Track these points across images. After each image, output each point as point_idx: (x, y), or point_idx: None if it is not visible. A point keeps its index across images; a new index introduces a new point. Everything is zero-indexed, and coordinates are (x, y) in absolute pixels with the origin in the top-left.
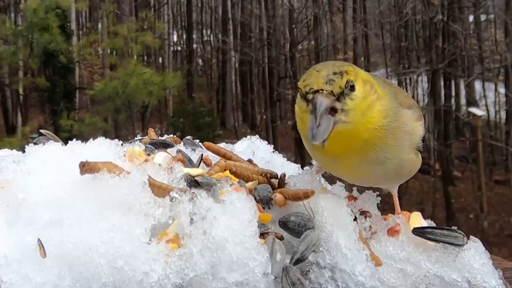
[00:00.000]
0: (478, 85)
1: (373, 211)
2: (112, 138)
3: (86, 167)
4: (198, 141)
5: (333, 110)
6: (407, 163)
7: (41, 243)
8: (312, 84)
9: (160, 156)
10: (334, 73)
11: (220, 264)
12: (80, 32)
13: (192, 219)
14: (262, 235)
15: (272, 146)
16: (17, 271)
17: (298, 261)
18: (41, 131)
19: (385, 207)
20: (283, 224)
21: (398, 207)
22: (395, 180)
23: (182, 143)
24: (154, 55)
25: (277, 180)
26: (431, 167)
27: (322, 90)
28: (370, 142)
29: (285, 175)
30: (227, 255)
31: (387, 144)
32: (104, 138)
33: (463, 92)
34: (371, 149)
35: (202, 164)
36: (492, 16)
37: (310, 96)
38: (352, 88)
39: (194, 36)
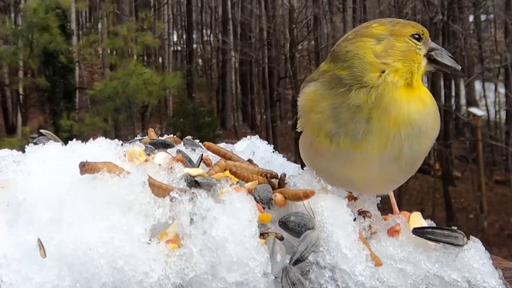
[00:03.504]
0: (478, 85)
1: (373, 211)
2: (112, 138)
3: (86, 167)
4: (198, 141)
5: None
6: (426, 151)
7: (41, 243)
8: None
9: (160, 156)
10: None
11: (220, 264)
12: (80, 32)
13: (192, 219)
14: (262, 235)
15: (272, 146)
16: (17, 271)
17: (297, 262)
18: (41, 131)
19: (385, 207)
20: (283, 224)
21: (396, 207)
22: (407, 172)
23: (182, 143)
24: (154, 55)
25: (277, 180)
26: (431, 167)
27: None
28: (425, 93)
29: (285, 175)
30: (227, 255)
31: (429, 115)
32: (104, 138)
33: (463, 92)
34: (421, 102)
35: (202, 164)
36: (492, 16)
37: (429, 40)
38: None
39: (194, 36)
